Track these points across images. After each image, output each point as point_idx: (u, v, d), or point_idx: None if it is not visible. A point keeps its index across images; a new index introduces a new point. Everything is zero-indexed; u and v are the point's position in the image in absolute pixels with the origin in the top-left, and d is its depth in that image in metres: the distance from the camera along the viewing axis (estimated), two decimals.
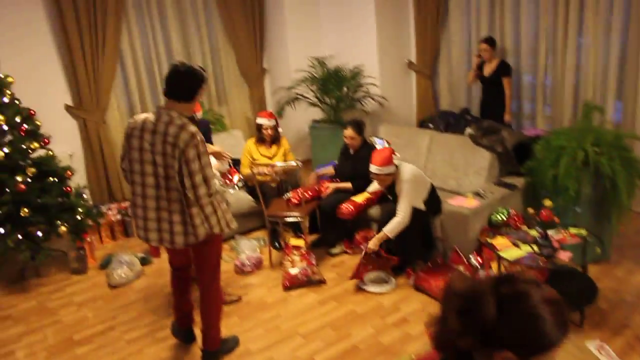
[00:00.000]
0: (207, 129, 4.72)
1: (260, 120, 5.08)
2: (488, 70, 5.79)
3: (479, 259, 4.09)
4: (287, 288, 4.19)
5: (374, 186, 4.50)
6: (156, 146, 2.88)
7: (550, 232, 3.75)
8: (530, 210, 3.90)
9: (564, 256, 3.58)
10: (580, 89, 5.52)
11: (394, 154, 4.17)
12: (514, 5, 5.89)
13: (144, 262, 4.72)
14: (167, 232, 3.01)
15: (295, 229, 4.97)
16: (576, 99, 5.56)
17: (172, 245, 3.03)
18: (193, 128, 2.89)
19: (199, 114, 4.68)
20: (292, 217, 4.52)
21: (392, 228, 4.06)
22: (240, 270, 4.46)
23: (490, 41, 5.70)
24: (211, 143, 4.62)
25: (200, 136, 2.90)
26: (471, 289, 1.26)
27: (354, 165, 4.74)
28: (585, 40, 5.33)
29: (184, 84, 2.96)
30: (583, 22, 5.32)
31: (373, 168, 4.10)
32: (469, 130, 4.84)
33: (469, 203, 4.19)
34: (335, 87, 6.19)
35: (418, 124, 6.20)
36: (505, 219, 4.18)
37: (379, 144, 5.43)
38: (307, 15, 7.03)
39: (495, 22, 6.06)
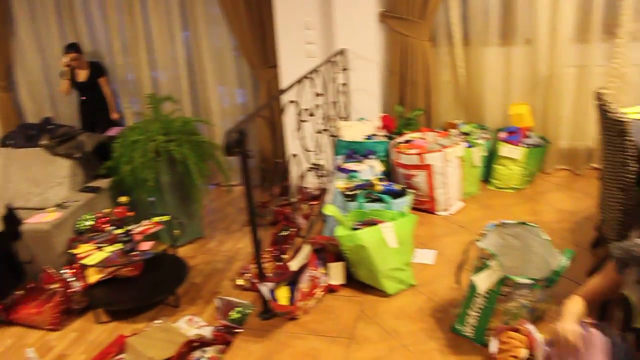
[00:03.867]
0: None
1: None
2: (82, 76, 5.62)
3: (72, 271, 3.95)
4: None
5: None
6: None
7: (133, 227, 3.83)
8: (106, 210, 3.90)
9: (146, 246, 3.70)
10: (159, 83, 5.81)
11: None
12: (84, 7, 5.80)
13: None
14: None
15: None
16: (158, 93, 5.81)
17: None
18: None
19: None
20: None
21: None
22: None
23: (72, 48, 5.52)
24: None
25: None
26: None
27: None
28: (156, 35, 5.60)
29: None
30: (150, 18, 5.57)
31: None
32: (42, 141, 4.59)
33: (49, 217, 3.99)
34: None
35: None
36: (93, 224, 4.11)
37: None
38: None
39: (66, 25, 5.88)
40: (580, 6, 4.07)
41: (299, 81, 3.32)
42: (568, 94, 4.24)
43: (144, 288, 3.82)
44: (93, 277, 3.79)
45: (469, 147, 3.93)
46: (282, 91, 3.10)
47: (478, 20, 4.30)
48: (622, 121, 2.42)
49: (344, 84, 4.35)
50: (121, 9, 5.62)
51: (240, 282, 3.93)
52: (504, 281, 2.38)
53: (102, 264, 3.55)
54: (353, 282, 3.00)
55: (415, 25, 4.23)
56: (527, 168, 4.07)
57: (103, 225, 4.03)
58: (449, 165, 3.68)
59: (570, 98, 4.26)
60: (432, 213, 3.77)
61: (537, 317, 2.64)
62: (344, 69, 4.33)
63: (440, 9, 4.32)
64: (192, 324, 3.42)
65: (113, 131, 5.16)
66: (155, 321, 3.50)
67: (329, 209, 2.88)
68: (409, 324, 2.70)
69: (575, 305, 1.82)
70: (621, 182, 2.55)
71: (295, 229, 3.84)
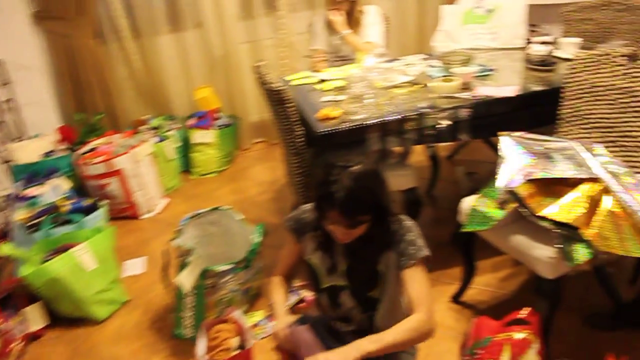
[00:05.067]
0: None
1: None
2: None
3: None
4: None
5: None
6: None
7: None
8: None
9: None
10: None
11: None
12: None
13: None
14: None
15: None
16: None
17: None
18: None
19: None
20: None
21: None
22: None
23: None
24: None
25: None
26: None
27: None
28: None
29: None
30: None
31: None
32: None
33: None
34: None
35: None
36: None
37: None
38: None
39: None
40: None
41: None
42: (246, 69, 4.37)
43: None
44: None
45: (161, 141, 3.82)
46: None
47: (144, 10, 4.13)
48: (278, 90, 2.53)
49: (9, 100, 3.84)
50: None
51: None
52: (205, 274, 2.35)
53: None
54: (58, 320, 2.69)
55: (75, 23, 3.90)
56: (223, 149, 4.13)
57: None
58: (141, 165, 3.51)
59: (249, 73, 4.40)
60: (136, 218, 3.59)
61: (253, 296, 2.70)
62: (5, 84, 3.81)
63: (100, 3, 4.03)
64: None
65: None
66: None
67: (4, 249, 2.51)
68: (129, 345, 2.53)
69: (277, 294, 1.80)
70: (294, 147, 2.69)
71: None
